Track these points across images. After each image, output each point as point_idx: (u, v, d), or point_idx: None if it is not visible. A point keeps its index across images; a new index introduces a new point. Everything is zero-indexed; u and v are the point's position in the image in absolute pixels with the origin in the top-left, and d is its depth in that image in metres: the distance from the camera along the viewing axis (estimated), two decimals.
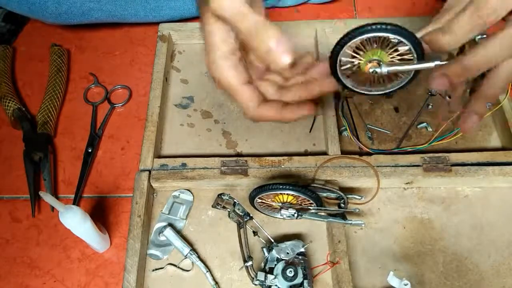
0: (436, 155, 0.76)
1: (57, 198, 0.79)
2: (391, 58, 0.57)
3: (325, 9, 1.03)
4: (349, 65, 0.59)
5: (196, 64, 0.92)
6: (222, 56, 0.54)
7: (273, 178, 0.74)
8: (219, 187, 0.77)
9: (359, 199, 0.72)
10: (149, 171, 0.75)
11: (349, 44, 0.56)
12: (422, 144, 0.79)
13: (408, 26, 0.83)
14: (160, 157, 0.79)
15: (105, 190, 0.80)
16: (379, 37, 0.54)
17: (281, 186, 0.65)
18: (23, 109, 0.85)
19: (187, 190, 0.77)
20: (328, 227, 0.73)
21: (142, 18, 0.93)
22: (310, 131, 0.82)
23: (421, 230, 0.73)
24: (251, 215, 0.70)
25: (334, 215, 0.69)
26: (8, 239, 0.76)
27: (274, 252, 0.67)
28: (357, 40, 0.55)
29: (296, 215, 0.69)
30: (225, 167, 0.75)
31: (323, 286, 0.69)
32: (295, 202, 0.68)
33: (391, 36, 0.54)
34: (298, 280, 0.65)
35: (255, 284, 0.66)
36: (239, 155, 0.81)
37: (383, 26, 0.53)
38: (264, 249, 0.69)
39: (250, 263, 0.67)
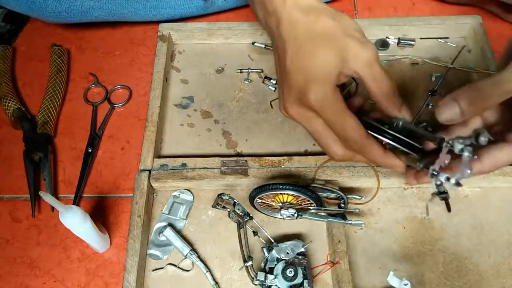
0: None
1: (57, 198, 0.79)
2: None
3: None
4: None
5: (196, 64, 0.92)
6: (334, 139, 0.59)
7: (273, 178, 0.74)
8: (219, 187, 0.76)
9: (359, 199, 0.71)
10: (149, 171, 0.75)
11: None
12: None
13: (407, 27, 0.84)
14: (160, 157, 0.79)
15: (105, 190, 0.80)
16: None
17: (281, 186, 0.65)
18: (23, 109, 0.85)
19: (187, 190, 0.77)
20: (328, 227, 0.73)
21: (142, 17, 0.92)
22: None
23: (421, 230, 0.73)
24: (251, 215, 0.70)
25: (334, 215, 0.69)
26: (8, 239, 0.76)
27: (274, 252, 0.67)
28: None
29: (296, 215, 0.69)
30: (225, 167, 0.75)
31: (323, 286, 0.69)
32: (295, 202, 0.68)
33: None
34: (298, 280, 0.65)
35: (255, 284, 0.66)
36: (239, 155, 0.80)
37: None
38: (264, 249, 0.69)
39: (250, 263, 0.67)
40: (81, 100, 0.90)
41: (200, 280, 0.70)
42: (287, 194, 0.67)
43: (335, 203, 0.71)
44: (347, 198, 0.70)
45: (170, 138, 0.83)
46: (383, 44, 0.92)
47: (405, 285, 0.64)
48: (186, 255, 0.70)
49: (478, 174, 0.55)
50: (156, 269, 0.71)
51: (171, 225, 0.73)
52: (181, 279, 0.70)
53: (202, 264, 0.69)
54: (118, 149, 0.84)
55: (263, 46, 0.93)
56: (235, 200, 0.70)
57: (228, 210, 0.70)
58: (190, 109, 0.86)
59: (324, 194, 0.70)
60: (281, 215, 0.70)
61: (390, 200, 0.76)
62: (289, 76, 0.58)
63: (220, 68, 0.91)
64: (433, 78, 0.87)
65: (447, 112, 0.52)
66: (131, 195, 0.75)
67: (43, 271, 0.73)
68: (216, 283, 0.69)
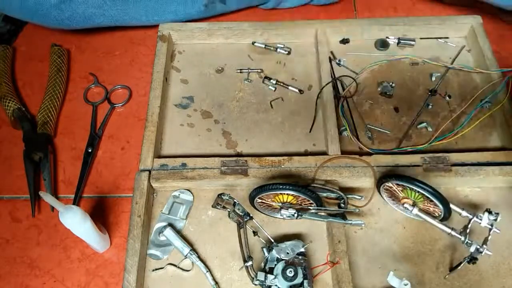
0: (436, 155, 0.75)
1: (57, 198, 0.78)
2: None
3: (325, 9, 1.03)
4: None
5: (196, 64, 0.91)
6: None
7: (273, 178, 0.74)
8: (219, 187, 0.76)
9: (359, 199, 0.71)
10: (149, 171, 0.75)
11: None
12: (422, 144, 0.78)
13: (407, 27, 0.84)
14: (160, 157, 0.78)
15: (105, 190, 0.80)
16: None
17: (281, 186, 0.65)
18: (23, 109, 0.85)
19: (187, 190, 0.76)
20: (328, 227, 0.72)
21: (143, 22, 0.92)
22: (310, 131, 0.81)
23: (421, 230, 0.72)
24: (251, 215, 0.70)
25: (334, 215, 0.69)
26: (8, 239, 0.75)
27: (274, 252, 0.66)
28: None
29: (296, 215, 0.68)
30: (225, 167, 0.75)
31: (323, 286, 0.68)
32: (295, 202, 0.68)
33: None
34: (298, 280, 0.64)
35: (255, 284, 0.65)
36: (239, 155, 0.80)
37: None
38: (264, 249, 0.68)
39: (250, 263, 0.66)
40: (81, 100, 0.90)
41: (200, 280, 0.69)
42: (287, 194, 0.66)
43: (335, 203, 0.71)
44: (347, 198, 0.69)
45: (170, 138, 0.82)
46: (383, 44, 0.91)
47: (405, 285, 0.64)
48: (186, 255, 0.69)
49: None
50: (156, 269, 0.70)
51: (171, 225, 0.72)
52: (181, 279, 0.70)
53: (202, 264, 0.69)
54: (118, 149, 0.84)
55: (263, 46, 0.92)
56: (235, 200, 0.70)
57: (228, 210, 0.70)
58: (190, 109, 0.86)
59: (324, 194, 0.70)
60: (281, 215, 0.69)
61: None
62: None
63: (220, 68, 0.90)
64: (433, 78, 0.87)
65: None
66: (131, 195, 0.74)
67: (43, 271, 0.73)
68: (216, 283, 0.68)
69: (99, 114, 0.88)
